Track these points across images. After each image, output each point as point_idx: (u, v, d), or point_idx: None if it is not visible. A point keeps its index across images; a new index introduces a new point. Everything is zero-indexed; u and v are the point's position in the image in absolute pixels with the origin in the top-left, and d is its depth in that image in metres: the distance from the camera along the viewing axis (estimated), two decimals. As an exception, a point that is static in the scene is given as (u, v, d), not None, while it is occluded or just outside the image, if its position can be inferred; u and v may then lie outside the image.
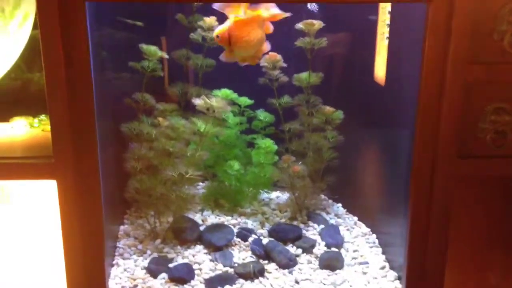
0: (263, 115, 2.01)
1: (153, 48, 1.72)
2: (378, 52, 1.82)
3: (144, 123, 1.75)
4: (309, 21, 1.84)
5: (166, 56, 1.76)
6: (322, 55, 1.96)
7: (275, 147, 1.93)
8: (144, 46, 1.71)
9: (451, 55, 1.37)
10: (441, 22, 1.35)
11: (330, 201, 2.15)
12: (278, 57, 1.87)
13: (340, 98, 2.03)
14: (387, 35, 1.72)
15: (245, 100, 1.98)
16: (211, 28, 1.85)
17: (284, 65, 1.89)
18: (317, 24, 1.84)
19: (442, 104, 1.40)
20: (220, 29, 1.58)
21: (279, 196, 2.15)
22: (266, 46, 1.71)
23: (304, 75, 1.93)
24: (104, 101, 1.60)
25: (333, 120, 1.93)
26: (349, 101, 1.99)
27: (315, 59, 1.90)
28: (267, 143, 1.92)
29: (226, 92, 1.92)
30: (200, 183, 2.12)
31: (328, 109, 1.94)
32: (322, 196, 2.13)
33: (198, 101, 1.65)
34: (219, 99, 1.68)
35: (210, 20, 1.83)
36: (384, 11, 1.76)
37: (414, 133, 1.44)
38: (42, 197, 1.56)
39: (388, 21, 1.73)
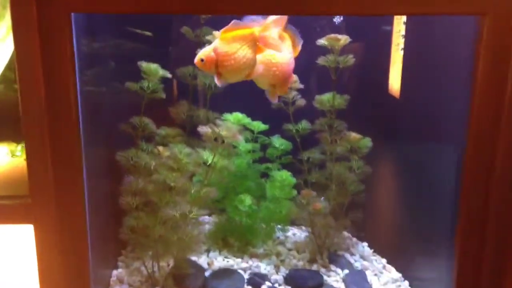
0: (278, 142, 1.78)
1: (153, 66, 1.50)
2: (392, 64, 1.70)
3: (142, 152, 1.52)
4: (334, 36, 1.61)
5: (168, 75, 1.53)
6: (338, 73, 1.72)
7: (293, 180, 1.68)
8: (143, 64, 1.49)
9: (511, 81, 1.13)
10: (499, 41, 1.12)
11: (354, 239, 1.89)
12: (294, 77, 1.63)
13: (362, 121, 1.81)
14: (402, 46, 1.62)
15: (258, 125, 1.75)
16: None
17: (301, 86, 1.66)
18: (343, 39, 1.61)
19: (498, 138, 1.18)
20: (204, 51, 1.30)
21: (296, 233, 1.90)
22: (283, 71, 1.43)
23: (326, 97, 1.70)
24: (95, 125, 1.38)
25: (359, 148, 1.69)
26: (373, 124, 1.78)
27: (328, 76, 1.65)
28: (284, 175, 1.68)
29: (237, 116, 1.69)
30: (207, 216, 1.87)
31: (354, 136, 1.70)
32: (346, 234, 1.88)
33: (204, 130, 1.42)
34: (229, 126, 1.44)
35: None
36: (399, 22, 1.65)
37: (463, 171, 1.21)
38: (19, 240, 1.34)
39: (403, 32, 1.63)
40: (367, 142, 1.70)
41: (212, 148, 1.46)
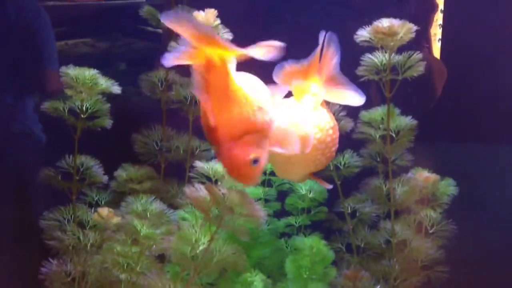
0: (305, 186, 1.14)
1: (88, 74, 0.87)
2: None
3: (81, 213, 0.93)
4: (388, 25, 0.97)
5: (116, 90, 0.91)
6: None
7: (331, 253, 1.04)
8: (68, 70, 0.87)
9: None
10: None
11: None
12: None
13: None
14: (440, 37, 1.43)
15: (273, 161, 1.12)
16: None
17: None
18: (404, 28, 0.97)
19: None
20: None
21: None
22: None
23: (377, 113, 1.10)
24: None
25: (437, 196, 1.09)
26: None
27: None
28: (314, 244, 1.03)
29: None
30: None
31: (426, 176, 1.07)
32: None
33: (194, 193, 0.75)
34: (242, 191, 0.76)
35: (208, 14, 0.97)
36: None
37: None
38: None
39: (440, 21, 1.42)
40: (448, 186, 1.08)
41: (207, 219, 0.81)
